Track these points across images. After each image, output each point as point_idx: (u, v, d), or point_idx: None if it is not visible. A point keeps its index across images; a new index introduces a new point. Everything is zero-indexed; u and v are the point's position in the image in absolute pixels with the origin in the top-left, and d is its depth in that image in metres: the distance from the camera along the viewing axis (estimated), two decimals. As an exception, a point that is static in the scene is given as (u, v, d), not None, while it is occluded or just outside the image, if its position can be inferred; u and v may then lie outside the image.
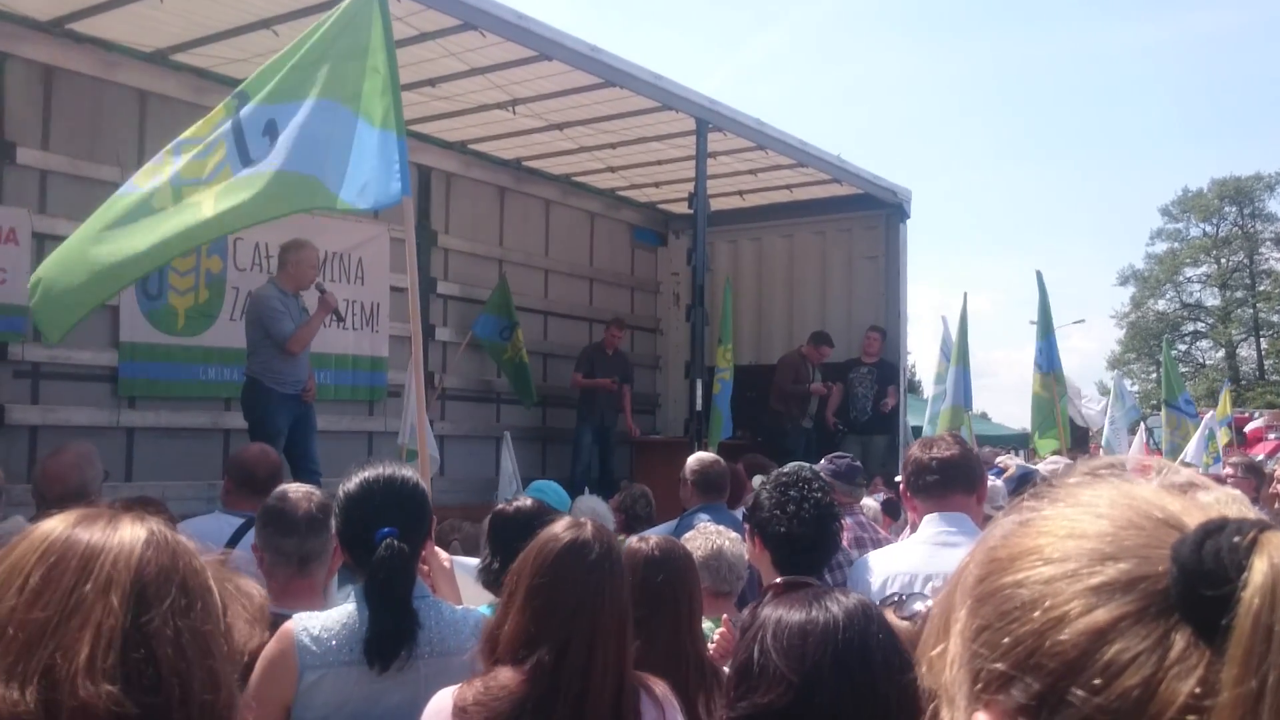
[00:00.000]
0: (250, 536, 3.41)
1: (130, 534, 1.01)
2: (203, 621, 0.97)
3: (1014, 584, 0.69)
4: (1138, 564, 0.65)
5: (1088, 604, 0.64)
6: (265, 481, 4.10)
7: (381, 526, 2.52)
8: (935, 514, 3.28)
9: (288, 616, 2.49)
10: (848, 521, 4.98)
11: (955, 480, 3.30)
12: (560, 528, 2.31)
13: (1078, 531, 0.68)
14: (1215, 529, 0.63)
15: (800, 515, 3.17)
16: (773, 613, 1.80)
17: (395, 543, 2.50)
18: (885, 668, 1.74)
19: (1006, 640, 0.67)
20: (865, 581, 3.29)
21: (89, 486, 4.15)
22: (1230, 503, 3.37)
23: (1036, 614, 0.66)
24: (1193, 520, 0.66)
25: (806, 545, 3.20)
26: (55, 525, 1.03)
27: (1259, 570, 0.60)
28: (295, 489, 2.96)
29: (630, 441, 11.05)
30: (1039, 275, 10.15)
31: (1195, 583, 0.61)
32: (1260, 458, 19.01)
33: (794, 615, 1.78)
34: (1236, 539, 0.62)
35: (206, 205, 3.93)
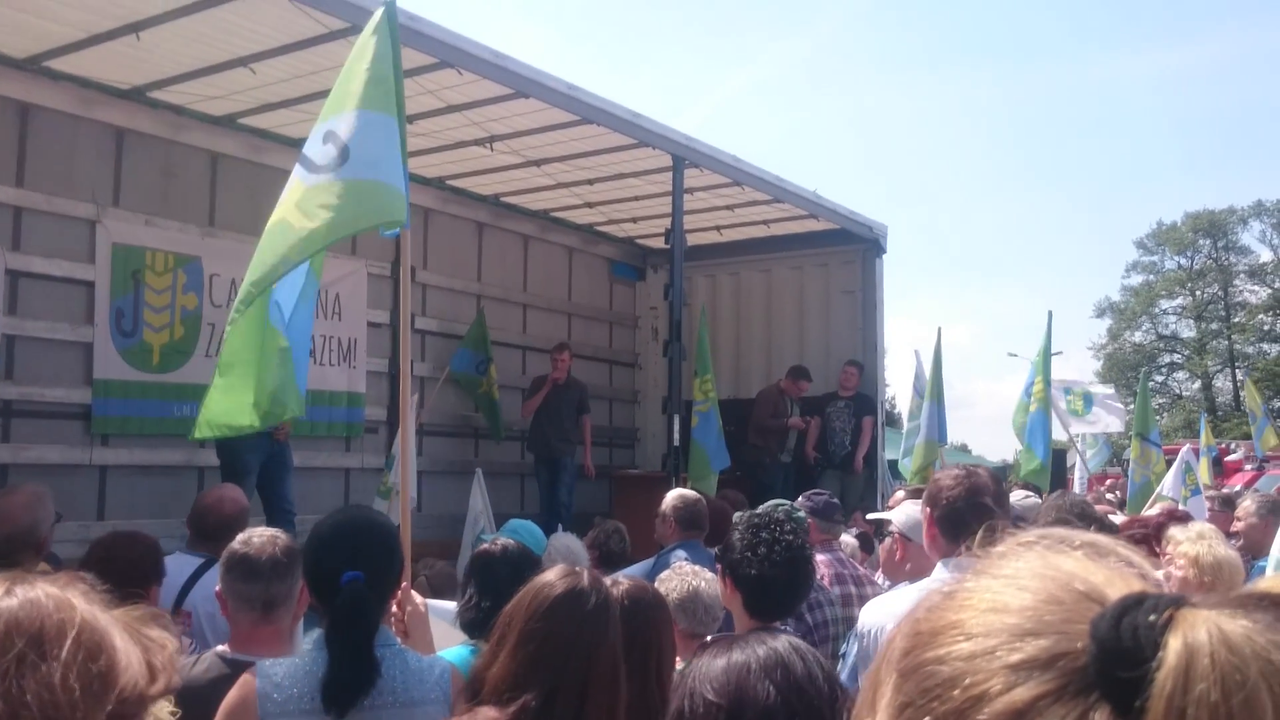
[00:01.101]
0: (211, 575, 3.38)
1: None
2: (52, 673, 0.98)
3: (935, 660, 0.68)
4: (1057, 640, 0.64)
5: (1007, 682, 0.63)
6: (215, 530, 4.07)
7: (348, 570, 2.51)
8: (951, 559, 3.14)
9: (250, 663, 2.46)
10: (827, 558, 4.97)
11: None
12: (556, 574, 2.31)
13: (999, 605, 0.68)
14: (1132, 605, 0.63)
15: (771, 558, 3.15)
16: (698, 660, 1.81)
17: (360, 588, 2.48)
18: (811, 681, 1.74)
19: (928, 719, 0.67)
20: (878, 629, 3.17)
21: (39, 528, 4.09)
22: (1207, 537, 3.33)
23: (956, 692, 0.65)
24: (1115, 593, 0.66)
25: (778, 588, 3.18)
26: None
27: (1173, 650, 0.60)
28: (260, 534, 2.94)
29: (609, 476, 11.01)
30: (1049, 315, 10.31)
31: (1112, 662, 0.61)
32: (1238, 488, 19.07)
33: (718, 661, 1.78)
34: (1152, 617, 0.61)
35: (293, 218, 3.72)
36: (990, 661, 0.65)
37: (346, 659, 2.42)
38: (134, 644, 1.05)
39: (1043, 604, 0.66)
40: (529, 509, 9.82)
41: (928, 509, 3.32)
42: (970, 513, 3.12)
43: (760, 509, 4.35)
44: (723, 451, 9.21)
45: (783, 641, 1.82)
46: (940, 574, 3.16)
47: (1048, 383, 9.96)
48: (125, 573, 3.21)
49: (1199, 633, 0.60)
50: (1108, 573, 0.69)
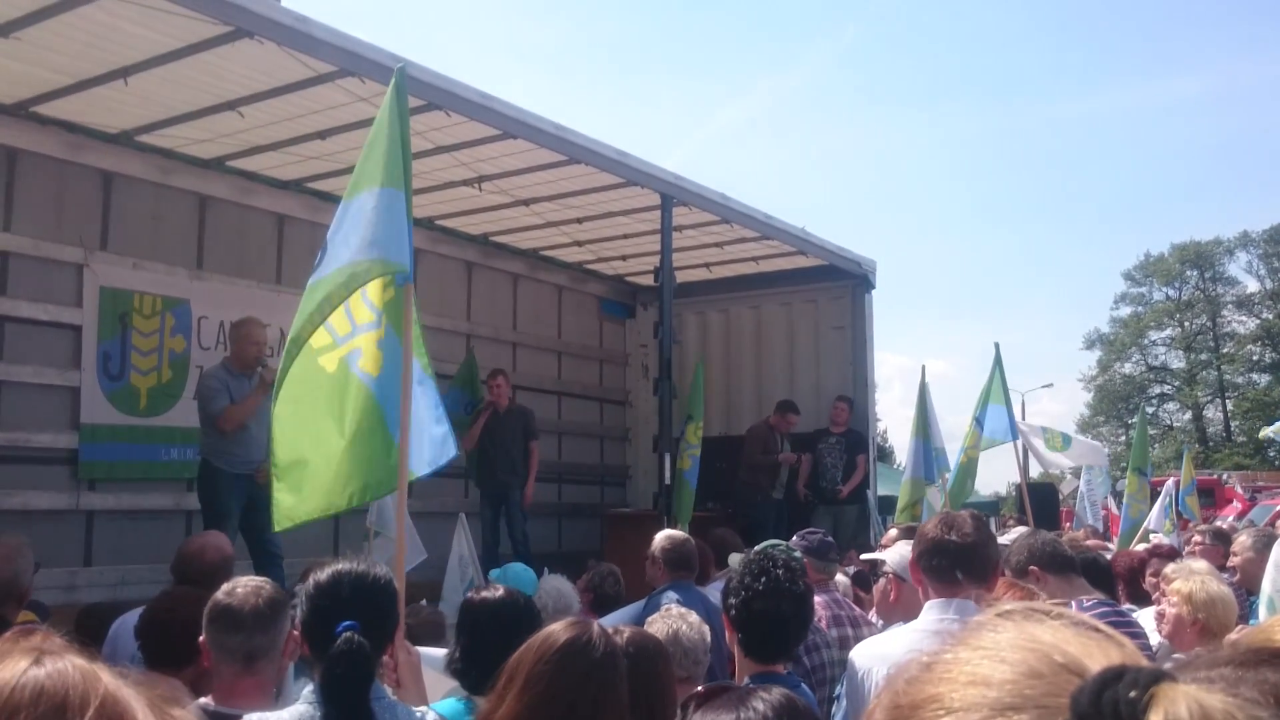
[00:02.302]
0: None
1: (9, 670, 1.05)
2: None
3: None
4: (1037, 715, 0.63)
5: None
6: (198, 578, 4.02)
7: (344, 620, 2.49)
8: (939, 600, 3.14)
9: (234, 716, 2.42)
10: (824, 600, 4.93)
11: (970, 568, 3.14)
12: (564, 624, 2.34)
13: (979, 678, 0.67)
14: (1112, 678, 0.62)
15: (768, 598, 3.13)
16: (702, 716, 1.77)
17: (355, 637, 2.46)
18: None
19: None
20: (866, 671, 3.15)
21: (20, 579, 4.07)
22: (1200, 573, 3.30)
23: None
24: (1095, 665, 0.65)
25: (776, 628, 3.15)
26: None
27: None
28: (245, 583, 2.90)
29: (601, 515, 10.96)
30: (997, 346, 10.17)
31: None
32: (1230, 519, 19.09)
33: (725, 717, 1.75)
34: (1132, 693, 0.60)
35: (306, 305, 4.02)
36: None
37: (343, 709, 2.39)
38: (155, 719, 1.08)
39: (1023, 677, 0.65)
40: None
41: (913, 553, 3.34)
42: (954, 557, 3.14)
43: (755, 549, 4.33)
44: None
45: (780, 699, 1.80)
46: (928, 616, 3.16)
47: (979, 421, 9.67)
48: (187, 631, 3.16)
49: (1179, 708, 0.59)
50: (1086, 644, 0.68)
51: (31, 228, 7.33)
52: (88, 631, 4.06)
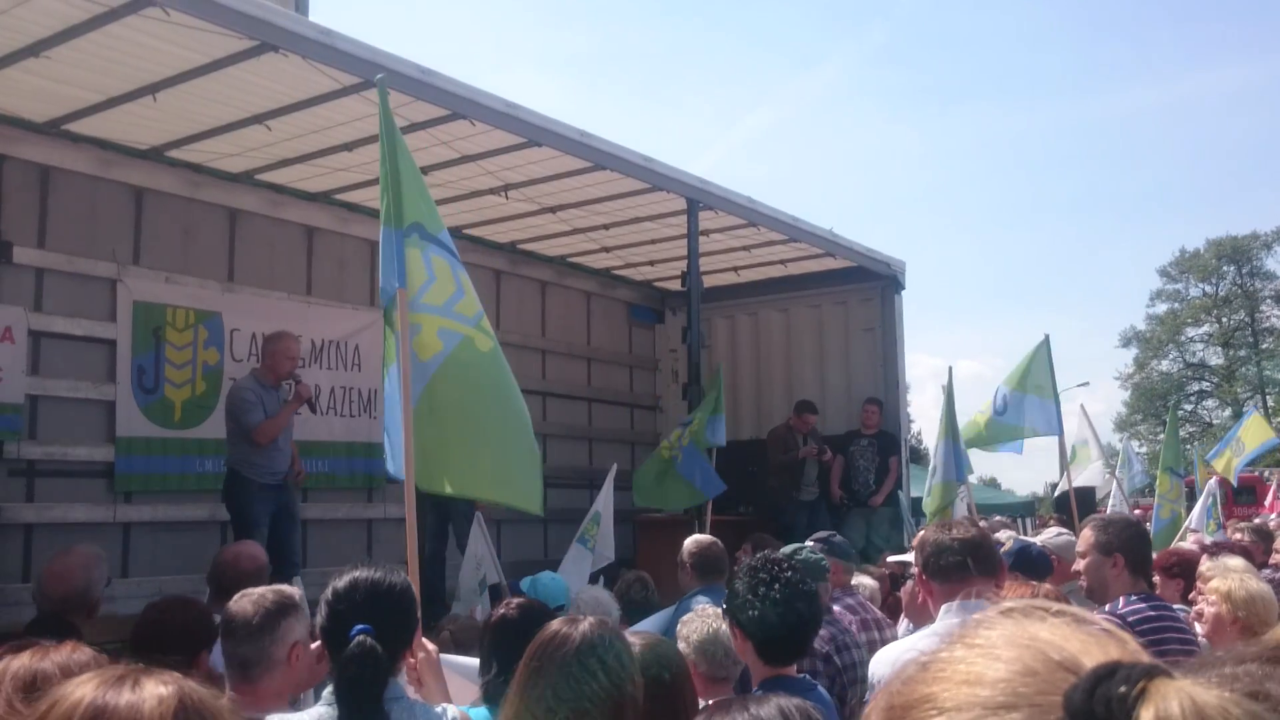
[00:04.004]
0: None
1: (153, 692, 1.09)
2: None
3: None
4: (1030, 714, 0.62)
5: None
6: (232, 586, 4.08)
7: (360, 624, 2.51)
8: (954, 603, 3.14)
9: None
10: (848, 603, 4.90)
11: (976, 563, 3.17)
12: (557, 621, 2.39)
13: (974, 677, 0.66)
14: (1105, 675, 0.60)
15: (770, 598, 3.10)
16: None
17: (367, 640, 2.48)
18: None
19: None
20: (884, 679, 3.16)
21: (92, 589, 4.16)
22: (1238, 571, 3.26)
23: None
24: (1091, 662, 0.64)
25: (784, 628, 3.12)
26: (85, 690, 1.11)
27: None
28: (255, 593, 2.96)
29: (632, 521, 10.94)
30: (1046, 339, 9.95)
31: None
32: (1272, 517, 18.80)
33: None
34: (1124, 689, 0.59)
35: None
36: None
37: (356, 711, 2.41)
38: None
39: (1017, 675, 0.64)
40: (553, 555, 9.75)
41: (917, 564, 3.39)
42: (960, 551, 3.19)
43: (756, 556, 4.30)
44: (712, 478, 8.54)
45: (796, 705, 1.79)
46: (946, 620, 3.17)
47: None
48: (178, 638, 3.22)
49: (1171, 704, 0.58)
50: (1084, 640, 0.66)
51: (65, 244, 7.43)
52: None
